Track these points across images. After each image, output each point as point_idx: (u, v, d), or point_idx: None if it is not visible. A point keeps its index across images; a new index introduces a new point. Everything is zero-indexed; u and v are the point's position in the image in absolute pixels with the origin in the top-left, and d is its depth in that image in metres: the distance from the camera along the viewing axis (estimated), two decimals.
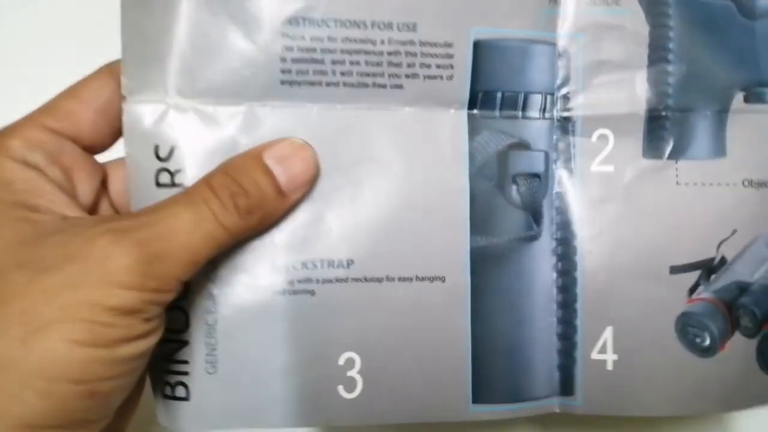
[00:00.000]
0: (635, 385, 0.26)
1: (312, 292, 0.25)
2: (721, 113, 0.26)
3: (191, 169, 0.23)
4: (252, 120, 0.24)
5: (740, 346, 0.26)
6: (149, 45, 0.23)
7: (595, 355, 0.26)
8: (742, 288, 0.26)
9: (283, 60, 0.23)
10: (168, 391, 0.24)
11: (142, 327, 0.21)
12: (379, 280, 0.25)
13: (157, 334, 0.22)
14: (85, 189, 0.24)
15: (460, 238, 0.26)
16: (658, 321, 0.26)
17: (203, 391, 0.24)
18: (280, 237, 0.24)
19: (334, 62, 0.24)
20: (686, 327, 0.26)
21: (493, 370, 0.26)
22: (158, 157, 0.23)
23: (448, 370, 0.26)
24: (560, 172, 0.26)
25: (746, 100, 0.26)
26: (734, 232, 0.26)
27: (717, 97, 0.26)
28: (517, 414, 0.26)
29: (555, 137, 0.26)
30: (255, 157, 0.23)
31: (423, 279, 0.25)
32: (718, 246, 0.26)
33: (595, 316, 0.26)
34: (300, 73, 0.24)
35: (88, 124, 0.23)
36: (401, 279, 0.25)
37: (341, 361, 0.25)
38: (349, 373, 0.25)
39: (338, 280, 0.25)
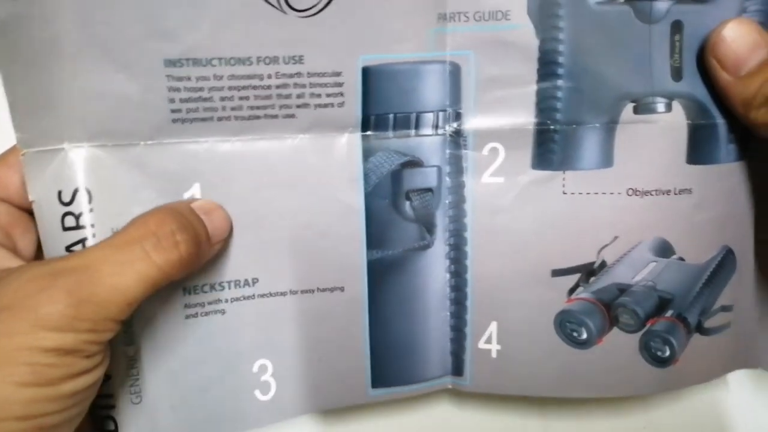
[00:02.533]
0: (516, 371, 0.29)
1: (222, 312, 0.27)
2: (610, 125, 0.27)
3: (95, 210, 0.24)
4: (148, 158, 0.25)
5: (619, 341, 0.29)
6: (36, 97, 0.23)
7: (481, 345, 0.29)
8: (622, 289, 0.28)
9: (171, 101, 0.24)
10: (99, 425, 0.26)
11: (83, 364, 0.22)
12: (283, 294, 0.28)
13: (102, 367, 0.23)
14: (25, 242, 0.25)
15: (357, 253, 0.28)
16: (538, 317, 0.29)
17: (131, 423, 0.26)
18: None
19: (223, 99, 0.25)
20: (564, 322, 0.29)
21: (389, 360, 0.30)
22: (62, 202, 0.24)
23: (348, 364, 0.29)
24: (453, 183, 0.28)
25: (636, 111, 0.27)
26: (615, 238, 0.28)
27: (607, 109, 0.27)
28: (413, 393, 0.30)
29: (448, 151, 0.28)
30: (186, 205, 0.25)
31: (324, 290, 0.28)
32: (599, 251, 0.28)
33: (482, 312, 0.29)
34: (190, 111, 0.25)
35: (16, 187, 0.25)
36: (303, 291, 0.28)
37: (255, 368, 0.28)
38: (263, 378, 0.28)
39: (245, 297, 0.27)
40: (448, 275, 0.29)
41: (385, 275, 0.28)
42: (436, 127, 0.27)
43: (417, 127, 0.27)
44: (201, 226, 0.25)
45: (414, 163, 0.27)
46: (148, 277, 0.22)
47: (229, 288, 0.27)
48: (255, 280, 0.27)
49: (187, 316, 0.27)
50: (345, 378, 0.29)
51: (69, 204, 0.24)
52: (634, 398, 0.34)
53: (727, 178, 0.28)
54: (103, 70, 0.23)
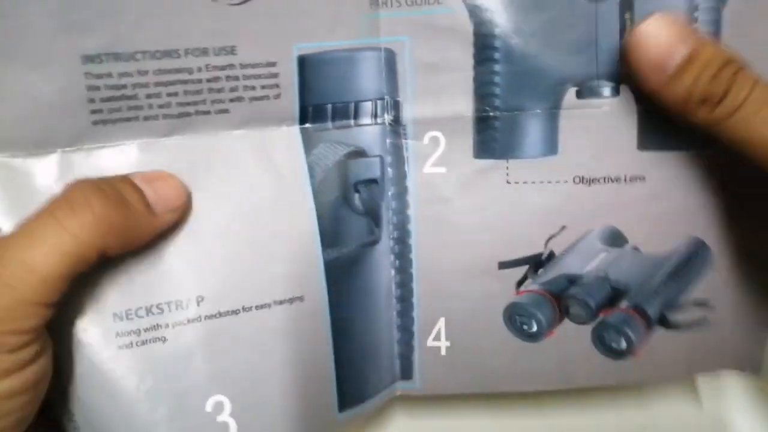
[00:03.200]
0: (467, 367, 0.28)
1: (163, 339, 0.24)
2: (553, 111, 0.26)
3: (7, 230, 0.21)
4: (68, 167, 0.22)
5: (571, 332, 0.28)
6: None
7: (430, 343, 0.28)
8: (572, 280, 0.27)
9: (91, 101, 0.22)
10: None
11: (6, 360, 0.19)
12: (235, 312, 0.25)
13: (37, 364, 0.20)
14: None
15: (313, 254, 0.26)
16: (487, 311, 0.28)
17: None
18: (115, 285, 0.23)
19: (149, 96, 0.23)
20: (514, 316, 0.28)
21: (353, 375, 0.28)
22: None
23: (315, 387, 0.27)
24: (395, 175, 0.27)
25: (579, 95, 0.26)
26: (563, 228, 0.27)
27: (548, 94, 0.26)
28: (372, 407, 0.29)
29: (388, 141, 0.27)
30: (121, 176, 0.23)
31: (282, 302, 0.25)
32: (547, 242, 0.27)
33: (429, 308, 0.28)
34: (112, 111, 0.23)
35: None
36: (258, 307, 0.25)
37: (209, 408, 0.24)
38: (220, 418, 0.24)
39: (190, 320, 0.24)
40: (393, 271, 0.28)
41: (342, 276, 0.27)
42: (375, 116, 0.26)
43: (356, 116, 0.26)
44: (131, 191, 0.22)
45: (358, 153, 0.27)
46: (61, 246, 0.20)
47: (169, 310, 0.24)
48: (200, 299, 0.24)
49: (120, 347, 0.23)
50: (312, 405, 0.27)
51: None
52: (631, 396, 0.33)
53: (687, 166, 0.26)
54: (11, 69, 0.21)
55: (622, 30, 0.25)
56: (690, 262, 0.27)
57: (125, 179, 0.22)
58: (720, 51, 0.23)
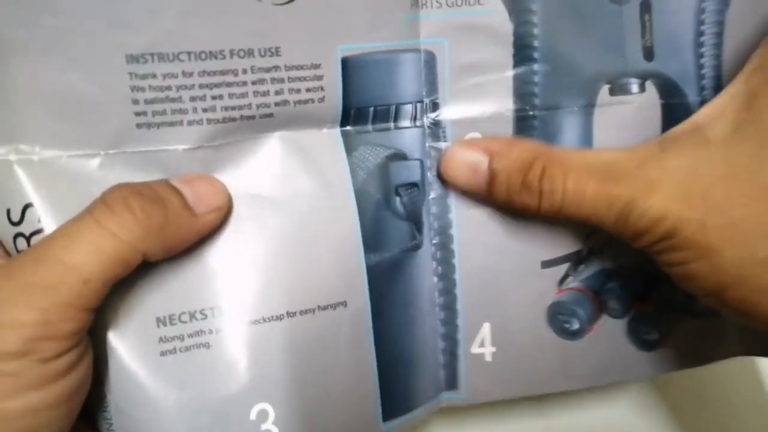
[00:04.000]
0: (512, 372, 0.28)
1: (207, 345, 0.23)
2: (588, 108, 0.27)
3: (48, 231, 0.21)
4: (109, 169, 0.22)
5: (607, 327, 0.28)
6: None
7: (475, 350, 0.28)
8: (609, 274, 0.28)
9: (135, 102, 0.21)
10: None
11: (41, 371, 0.18)
12: (279, 317, 0.24)
13: (76, 373, 0.19)
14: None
15: (356, 258, 0.25)
16: (530, 313, 0.28)
17: None
18: (159, 289, 0.22)
19: (193, 99, 0.22)
20: (556, 315, 0.28)
21: (397, 385, 0.27)
22: (11, 222, 0.21)
23: (359, 396, 0.26)
24: (435, 179, 0.26)
25: (611, 92, 0.27)
26: None
27: (583, 92, 0.26)
28: (417, 418, 0.27)
29: (428, 144, 0.26)
30: (160, 180, 0.22)
31: (325, 308, 0.25)
32: (586, 238, 0.28)
33: (473, 314, 0.27)
34: (157, 114, 0.22)
35: None
36: (303, 312, 0.24)
37: (253, 416, 0.23)
38: (264, 426, 0.24)
39: (234, 326, 0.23)
40: (435, 278, 0.27)
41: (384, 282, 0.26)
42: (415, 119, 0.26)
43: (396, 119, 0.25)
44: (169, 193, 0.21)
45: (398, 156, 0.26)
46: (101, 247, 0.19)
47: (213, 315, 0.23)
48: (244, 305, 0.23)
49: (163, 353, 0.22)
50: (356, 414, 0.25)
51: (19, 224, 0.21)
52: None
53: None
54: (55, 67, 0.20)
55: (643, 30, 0.26)
56: None
57: (163, 181, 0.22)
58: (520, 157, 0.24)
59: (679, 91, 0.27)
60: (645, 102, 0.27)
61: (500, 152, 0.25)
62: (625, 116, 0.27)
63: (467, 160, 0.25)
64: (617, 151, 0.24)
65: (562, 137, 0.27)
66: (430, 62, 0.25)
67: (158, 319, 0.22)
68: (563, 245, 0.27)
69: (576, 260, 0.28)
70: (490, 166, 0.25)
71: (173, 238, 0.21)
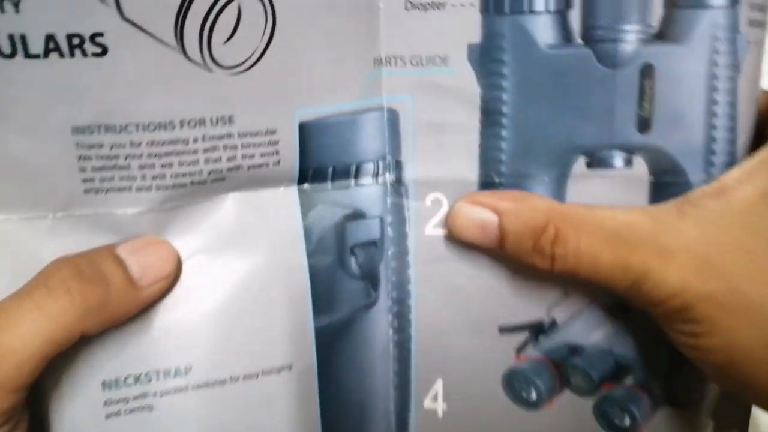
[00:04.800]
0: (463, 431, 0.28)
1: (150, 408, 0.23)
2: (560, 179, 0.25)
3: None
4: (57, 231, 0.22)
5: (571, 403, 0.27)
6: None
7: (427, 404, 0.28)
8: (574, 349, 0.26)
9: (83, 170, 0.22)
10: None
11: None
12: (222, 382, 0.24)
13: None
14: None
15: (305, 321, 0.25)
16: (485, 375, 0.27)
17: None
18: (105, 353, 0.23)
19: (142, 167, 0.22)
20: (513, 382, 0.27)
21: None
22: None
23: None
24: (395, 235, 0.26)
25: (589, 165, 0.24)
26: (567, 295, 0.26)
27: (557, 162, 0.25)
28: None
29: (389, 200, 0.26)
30: (105, 247, 0.22)
31: (269, 372, 0.25)
32: (549, 309, 0.26)
33: (427, 368, 0.27)
34: (105, 181, 0.22)
35: None
36: (246, 377, 0.25)
37: None
38: None
39: (177, 390, 0.24)
40: (391, 331, 0.27)
41: (333, 343, 0.26)
42: (376, 176, 0.26)
43: (357, 177, 0.25)
44: (113, 268, 0.22)
45: (356, 216, 0.26)
46: (37, 330, 0.20)
47: (158, 379, 0.23)
48: (188, 368, 0.24)
49: (108, 416, 0.23)
50: None
51: None
52: None
53: None
54: (2, 134, 0.21)
55: (641, 98, 0.23)
56: None
57: (108, 253, 0.22)
58: (531, 219, 0.23)
59: (677, 168, 0.24)
60: (630, 177, 0.24)
61: (510, 212, 0.24)
62: (604, 190, 0.24)
63: (475, 218, 0.25)
64: (633, 212, 0.23)
65: None
66: (392, 120, 0.25)
67: (104, 383, 0.23)
68: (523, 312, 0.26)
69: (537, 330, 0.26)
70: (500, 225, 0.24)
71: (113, 314, 0.22)
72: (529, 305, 0.26)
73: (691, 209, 0.22)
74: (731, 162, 0.24)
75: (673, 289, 0.22)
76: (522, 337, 0.27)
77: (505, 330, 0.27)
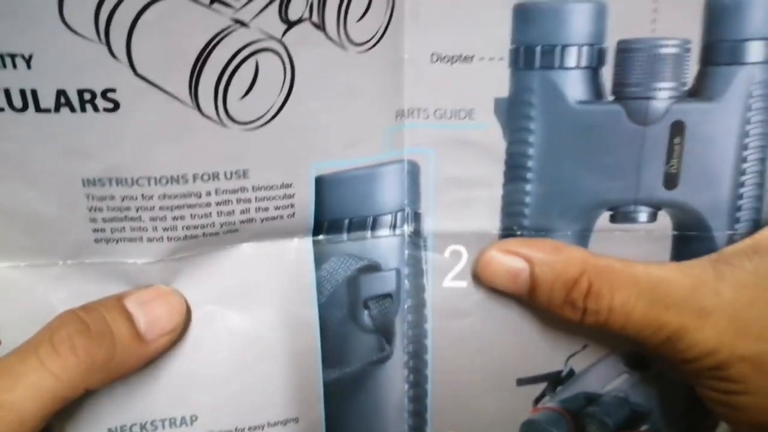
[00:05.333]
0: None
1: None
2: (583, 233, 0.24)
3: (4, 343, 0.21)
4: (67, 278, 0.22)
5: None
6: None
7: None
8: (590, 398, 0.26)
9: (93, 220, 0.21)
10: None
11: None
12: None
13: None
14: None
15: (313, 375, 0.25)
16: (502, 428, 0.27)
17: None
18: (111, 400, 0.23)
19: (153, 219, 0.21)
20: None
21: None
22: None
23: None
24: (412, 287, 0.25)
25: (613, 219, 0.24)
26: (585, 346, 0.26)
27: (580, 217, 0.24)
28: None
29: (407, 252, 0.25)
30: (113, 298, 0.22)
31: (275, 424, 0.25)
32: (567, 359, 0.26)
33: (442, 423, 0.27)
34: (115, 231, 0.21)
35: None
36: (252, 428, 0.25)
37: None
38: None
39: None
40: (406, 386, 0.27)
41: (343, 396, 0.26)
42: (394, 227, 0.25)
43: (373, 228, 0.24)
44: (120, 322, 0.21)
45: (371, 268, 0.25)
46: (42, 388, 0.20)
47: (163, 428, 0.24)
48: (193, 418, 0.24)
49: None
50: None
51: None
52: None
53: None
54: (12, 188, 0.20)
55: (670, 155, 0.23)
56: None
57: (116, 305, 0.22)
58: (564, 271, 0.23)
59: (701, 224, 0.24)
60: (653, 232, 0.24)
61: (543, 262, 0.23)
62: (627, 245, 0.24)
63: (507, 267, 0.24)
64: (668, 268, 0.23)
65: None
66: (413, 172, 0.24)
67: (110, 430, 0.23)
68: (542, 364, 0.26)
69: (554, 381, 0.26)
70: (531, 275, 0.23)
71: (119, 369, 0.21)
72: (548, 357, 0.26)
73: (728, 269, 0.22)
74: (757, 219, 0.24)
75: (709, 348, 0.22)
76: (540, 388, 0.26)
77: (523, 382, 0.26)
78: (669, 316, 0.22)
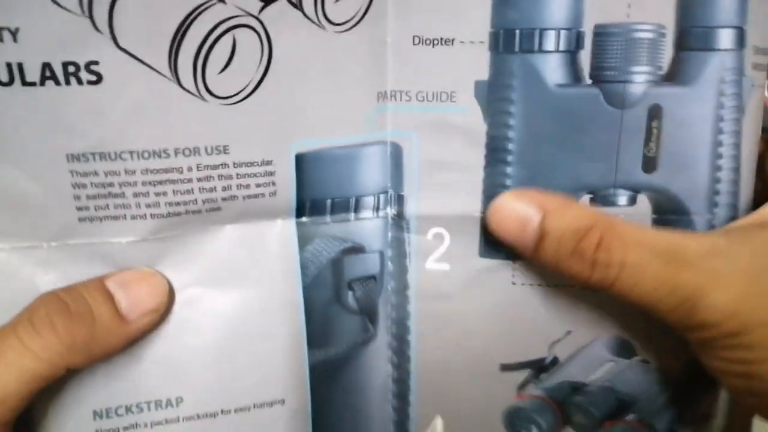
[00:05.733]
0: None
1: None
2: None
3: None
4: (51, 260, 0.22)
5: None
6: None
7: None
8: (575, 388, 0.26)
9: (77, 198, 0.21)
10: None
11: None
12: (213, 415, 0.24)
13: None
14: None
15: (299, 356, 0.25)
16: (486, 414, 0.27)
17: None
18: (96, 383, 0.23)
19: (136, 195, 0.22)
20: (514, 420, 0.27)
21: None
22: None
23: None
24: (396, 269, 0.26)
25: (593, 202, 0.24)
26: (569, 333, 0.26)
27: None
28: None
29: (390, 234, 0.26)
30: (95, 279, 0.22)
31: (261, 405, 0.25)
32: (551, 346, 0.26)
33: (426, 405, 0.27)
34: (99, 209, 0.22)
35: None
36: (237, 410, 0.25)
37: None
38: None
39: (168, 420, 0.24)
40: (390, 367, 0.27)
41: (328, 377, 0.26)
42: (377, 209, 0.25)
43: (356, 210, 0.25)
44: (100, 301, 0.21)
45: (355, 249, 0.25)
46: (22, 367, 0.20)
47: (149, 410, 0.24)
48: (179, 400, 0.24)
49: None
50: None
51: None
52: None
53: None
54: None
55: (648, 138, 0.23)
56: (703, 376, 0.26)
57: (97, 286, 0.22)
58: (575, 221, 0.22)
59: (680, 208, 0.24)
60: (633, 216, 0.24)
61: (555, 211, 0.23)
62: None
63: (518, 213, 0.23)
64: (681, 235, 0.22)
65: None
66: (396, 154, 0.25)
67: (95, 412, 0.23)
68: (525, 350, 0.26)
69: (538, 368, 0.26)
70: (541, 223, 0.23)
71: (101, 349, 0.22)
72: (532, 343, 0.26)
73: (739, 238, 0.22)
74: (734, 203, 0.24)
75: (728, 312, 0.21)
76: (523, 374, 0.26)
77: (507, 368, 0.26)
78: (686, 276, 0.21)
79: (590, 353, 0.26)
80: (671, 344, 0.25)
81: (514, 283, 0.25)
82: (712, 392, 0.26)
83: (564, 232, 0.22)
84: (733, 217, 0.24)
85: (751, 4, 0.23)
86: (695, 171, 0.24)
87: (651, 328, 0.25)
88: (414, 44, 0.23)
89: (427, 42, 0.23)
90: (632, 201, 0.24)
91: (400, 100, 0.24)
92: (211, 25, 0.20)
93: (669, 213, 0.24)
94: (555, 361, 0.26)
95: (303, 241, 0.25)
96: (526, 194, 0.23)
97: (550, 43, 0.23)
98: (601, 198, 0.24)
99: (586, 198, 0.24)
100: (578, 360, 0.26)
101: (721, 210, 0.24)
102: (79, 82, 0.20)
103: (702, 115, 0.23)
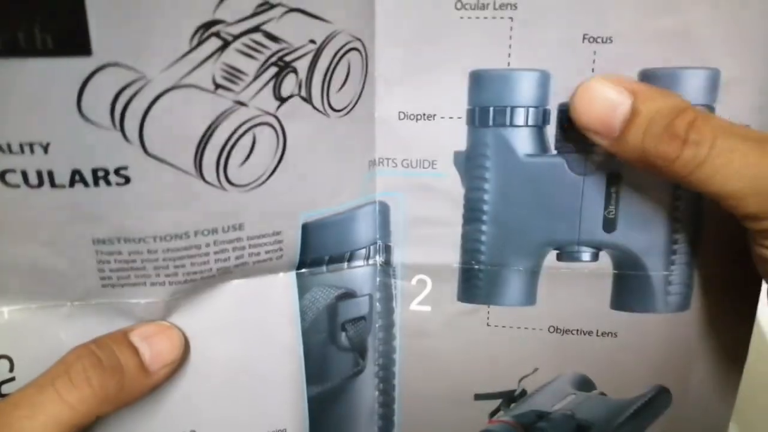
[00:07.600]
0: None
1: None
2: (534, 268, 0.27)
3: (18, 378, 0.23)
4: (75, 317, 0.24)
5: None
6: None
7: None
8: (540, 415, 0.30)
9: (101, 270, 0.23)
10: None
11: None
12: None
13: None
14: None
15: (299, 391, 0.28)
16: None
17: None
18: (118, 422, 0.25)
19: (156, 268, 0.24)
20: None
21: None
22: None
23: None
24: (383, 310, 0.29)
25: (559, 258, 0.27)
26: (536, 369, 0.29)
27: (529, 255, 0.27)
28: None
29: (378, 279, 0.29)
30: (120, 333, 0.24)
31: None
32: (520, 380, 0.29)
33: (409, 427, 0.30)
34: (121, 279, 0.24)
35: None
36: None
37: None
38: None
39: None
40: (377, 393, 0.30)
41: (324, 406, 0.29)
42: (368, 258, 0.28)
43: (350, 260, 0.28)
44: (127, 354, 0.24)
45: (348, 295, 0.28)
46: (59, 418, 0.21)
47: None
48: None
49: None
50: None
51: None
52: None
53: (657, 325, 0.28)
54: (28, 248, 0.22)
55: (607, 201, 0.26)
56: (651, 404, 0.29)
57: (123, 339, 0.24)
58: (668, 102, 0.22)
59: (638, 264, 0.27)
60: (596, 270, 0.27)
61: (646, 92, 0.22)
62: (573, 281, 0.27)
63: (608, 95, 0.23)
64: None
65: (506, 290, 0.28)
66: (383, 211, 0.27)
67: None
68: (497, 382, 0.29)
69: (508, 398, 0.29)
70: (633, 106, 0.22)
71: (127, 398, 0.24)
72: (503, 377, 0.29)
73: None
74: (689, 262, 0.27)
75: None
76: (495, 403, 0.30)
77: (480, 397, 0.30)
78: None
79: (555, 387, 0.29)
80: (628, 379, 0.29)
81: (488, 324, 0.28)
82: (666, 414, 0.29)
83: (658, 111, 0.22)
84: (690, 276, 0.27)
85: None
86: (653, 231, 0.26)
87: (610, 366, 0.28)
88: (400, 119, 0.26)
89: (411, 117, 0.26)
90: (595, 257, 0.27)
91: (388, 166, 0.27)
92: (234, 127, 0.22)
93: (628, 269, 0.27)
94: (523, 393, 0.29)
95: (302, 290, 0.28)
96: (614, 78, 0.23)
97: (520, 118, 0.25)
98: (566, 254, 0.27)
99: (553, 254, 0.27)
100: (544, 392, 0.29)
101: (677, 268, 0.27)
102: (108, 183, 0.21)
103: (659, 181, 0.26)
